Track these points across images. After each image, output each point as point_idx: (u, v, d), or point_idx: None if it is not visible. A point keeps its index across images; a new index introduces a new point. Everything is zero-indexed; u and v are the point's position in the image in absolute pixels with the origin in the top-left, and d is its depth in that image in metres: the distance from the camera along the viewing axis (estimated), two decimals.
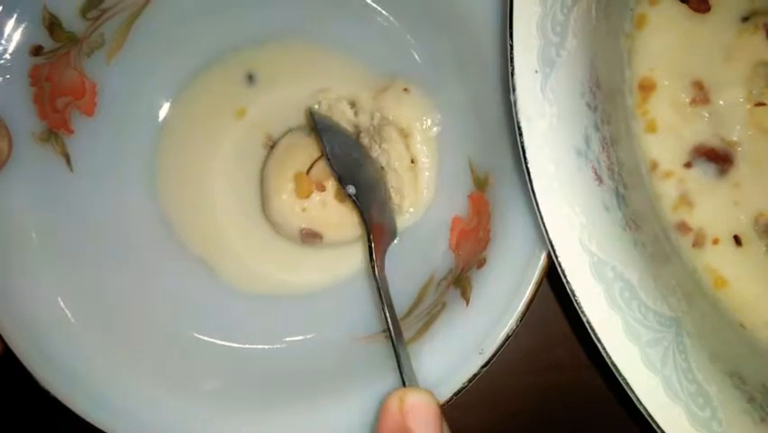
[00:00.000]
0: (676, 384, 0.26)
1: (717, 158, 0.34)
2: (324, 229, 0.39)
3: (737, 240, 0.34)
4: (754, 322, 0.34)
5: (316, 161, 0.38)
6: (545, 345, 0.41)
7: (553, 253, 0.26)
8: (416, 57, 0.39)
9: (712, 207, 0.34)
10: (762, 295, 0.34)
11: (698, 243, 0.34)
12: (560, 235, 0.26)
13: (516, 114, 0.26)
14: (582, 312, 0.26)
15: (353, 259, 0.41)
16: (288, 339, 0.39)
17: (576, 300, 0.26)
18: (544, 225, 0.26)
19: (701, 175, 0.34)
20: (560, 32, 0.27)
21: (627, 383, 0.26)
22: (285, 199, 0.38)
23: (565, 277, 0.26)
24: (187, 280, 0.40)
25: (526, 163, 0.26)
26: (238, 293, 0.40)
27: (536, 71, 0.27)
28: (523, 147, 0.26)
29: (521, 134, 0.26)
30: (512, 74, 0.26)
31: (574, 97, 0.28)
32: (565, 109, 0.27)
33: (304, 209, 0.38)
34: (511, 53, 0.26)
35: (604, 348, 0.26)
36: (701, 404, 0.27)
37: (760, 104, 0.34)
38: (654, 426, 0.26)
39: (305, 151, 0.39)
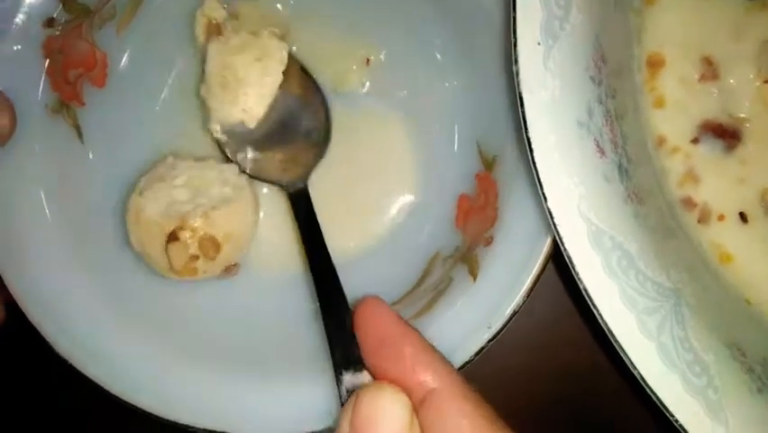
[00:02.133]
0: (672, 352, 0.27)
1: (725, 134, 0.34)
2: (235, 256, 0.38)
3: (743, 216, 0.34)
4: (760, 298, 0.34)
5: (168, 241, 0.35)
6: (551, 325, 0.41)
7: (551, 221, 0.27)
8: (422, 35, 0.39)
9: (718, 183, 0.34)
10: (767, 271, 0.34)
11: (703, 218, 0.34)
12: (558, 204, 0.27)
13: (518, 85, 0.27)
14: (579, 279, 0.26)
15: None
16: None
17: (573, 268, 0.26)
18: (543, 194, 0.27)
19: (708, 151, 0.34)
20: (564, 5, 0.28)
21: (622, 348, 0.26)
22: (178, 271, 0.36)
23: (563, 244, 0.26)
24: None
25: (527, 134, 0.27)
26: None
27: (539, 43, 0.27)
28: (524, 118, 0.27)
29: (522, 105, 0.27)
30: (514, 45, 0.27)
31: (578, 71, 0.28)
32: (568, 82, 0.28)
33: (195, 267, 0.36)
34: (514, 25, 0.27)
35: (600, 314, 0.26)
36: (698, 372, 0.27)
37: None
38: (648, 390, 0.26)
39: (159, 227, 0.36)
